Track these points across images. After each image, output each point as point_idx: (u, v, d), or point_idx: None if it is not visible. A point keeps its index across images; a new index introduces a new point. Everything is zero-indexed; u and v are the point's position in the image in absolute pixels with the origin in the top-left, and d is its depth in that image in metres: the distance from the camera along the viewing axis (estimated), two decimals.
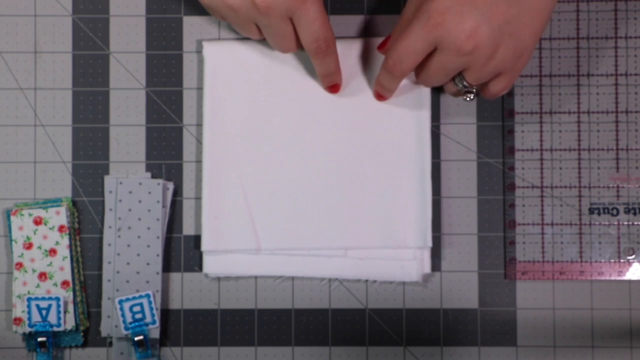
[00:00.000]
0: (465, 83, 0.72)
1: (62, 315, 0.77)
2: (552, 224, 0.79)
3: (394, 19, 0.80)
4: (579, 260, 0.79)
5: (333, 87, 0.78)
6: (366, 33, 0.80)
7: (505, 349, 0.79)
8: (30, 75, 0.80)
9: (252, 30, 0.74)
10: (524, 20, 0.68)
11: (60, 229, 0.78)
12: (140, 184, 0.78)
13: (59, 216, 0.78)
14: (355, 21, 0.80)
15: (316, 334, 0.79)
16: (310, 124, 0.79)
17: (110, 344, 0.79)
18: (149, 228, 0.78)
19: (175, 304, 0.80)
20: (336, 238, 0.78)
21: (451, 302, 0.79)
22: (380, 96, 0.78)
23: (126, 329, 0.78)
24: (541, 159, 0.79)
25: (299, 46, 0.74)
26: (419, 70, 0.73)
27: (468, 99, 0.74)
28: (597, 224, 0.79)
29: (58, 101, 0.80)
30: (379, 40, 0.78)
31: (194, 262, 0.80)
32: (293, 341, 0.80)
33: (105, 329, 0.78)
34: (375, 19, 0.80)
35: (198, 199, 0.80)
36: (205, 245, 0.78)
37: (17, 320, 0.78)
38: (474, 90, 0.73)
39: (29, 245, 0.78)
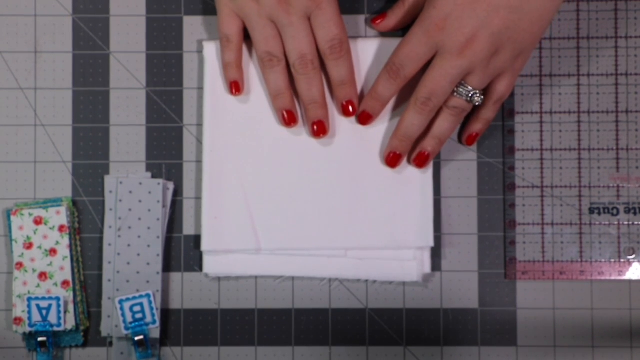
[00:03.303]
0: (469, 88, 0.72)
1: (62, 315, 0.77)
2: (552, 224, 0.79)
3: None
4: (579, 260, 0.79)
5: (348, 107, 0.77)
6: (366, 33, 0.80)
7: (505, 349, 0.79)
8: (30, 75, 0.80)
9: (268, 32, 0.74)
10: (523, 26, 0.70)
11: (61, 228, 0.78)
12: (140, 183, 0.78)
13: (59, 216, 0.78)
14: (355, 21, 0.80)
15: (316, 334, 0.79)
16: None
17: (111, 343, 0.79)
18: (149, 228, 0.78)
19: (175, 304, 0.80)
20: (336, 238, 0.78)
21: (451, 302, 0.79)
22: (367, 116, 0.76)
23: (126, 328, 0.78)
24: (541, 159, 0.79)
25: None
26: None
27: (477, 103, 0.73)
28: (597, 223, 0.79)
29: (58, 101, 0.80)
30: (379, 41, 0.78)
31: (194, 262, 0.80)
32: (293, 341, 0.79)
33: (105, 329, 0.78)
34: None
35: (198, 199, 0.80)
36: (205, 245, 0.78)
37: (18, 320, 0.78)
38: (479, 92, 0.73)
39: (29, 245, 0.78)
